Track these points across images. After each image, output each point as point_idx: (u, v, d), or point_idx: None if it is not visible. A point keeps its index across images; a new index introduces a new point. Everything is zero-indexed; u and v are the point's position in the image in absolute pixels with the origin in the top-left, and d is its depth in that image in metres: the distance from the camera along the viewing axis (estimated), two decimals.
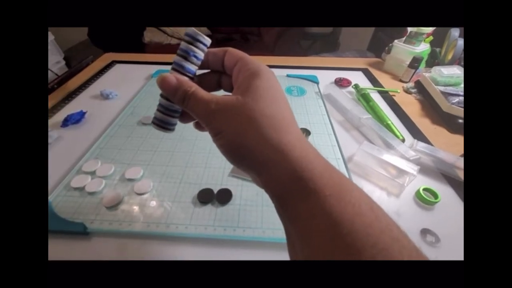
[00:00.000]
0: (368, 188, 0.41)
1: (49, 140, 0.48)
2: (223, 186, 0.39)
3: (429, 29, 0.71)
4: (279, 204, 0.18)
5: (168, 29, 1.81)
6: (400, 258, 0.13)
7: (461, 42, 0.66)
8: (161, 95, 0.21)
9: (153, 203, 0.37)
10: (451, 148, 0.46)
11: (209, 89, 0.22)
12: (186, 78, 0.20)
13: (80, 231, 0.33)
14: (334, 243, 0.14)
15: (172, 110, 0.22)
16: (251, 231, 0.33)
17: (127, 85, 0.67)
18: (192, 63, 0.21)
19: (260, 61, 0.20)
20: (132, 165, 0.42)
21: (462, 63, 0.68)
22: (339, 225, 0.14)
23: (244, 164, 0.19)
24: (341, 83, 0.69)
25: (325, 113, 0.57)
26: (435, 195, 0.38)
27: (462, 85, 0.60)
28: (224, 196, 0.37)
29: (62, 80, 0.68)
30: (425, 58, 0.74)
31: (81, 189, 0.38)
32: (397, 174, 0.41)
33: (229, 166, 0.42)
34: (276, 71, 0.79)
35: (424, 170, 0.43)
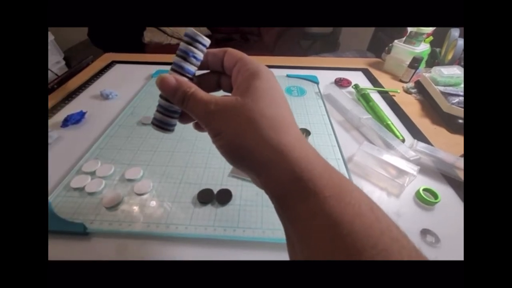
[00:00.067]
0: (368, 188, 0.41)
1: (49, 140, 0.48)
2: (223, 186, 0.39)
3: (429, 29, 0.71)
4: (278, 204, 0.18)
5: (168, 29, 1.81)
6: (400, 258, 0.13)
7: (461, 42, 0.66)
8: (161, 96, 0.21)
9: (153, 203, 0.37)
10: (451, 148, 0.46)
11: (209, 89, 0.22)
12: (185, 79, 0.20)
13: (80, 232, 0.33)
14: (334, 244, 0.14)
15: (172, 111, 0.21)
16: (251, 232, 0.33)
17: (127, 85, 0.67)
18: (192, 63, 0.21)
19: (259, 62, 0.20)
20: (132, 166, 0.42)
21: (462, 63, 0.68)
22: (339, 226, 0.14)
23: (243, 165, 0.18)
24: (341, 83, 0.69)
25: (325, 113, 0.57)
26: (435, 196, 0.38)
27: (462, 85, 0.60)
28: (224, 197, 0.37)
29: (62, 80, 0.68)
30: (425, 58, 0.74)
31: (81, 189, 0.38)
32: (397, 174, 0.41)
33: (229, 166, 0.42)
34: (276, 71, 0.79)
35: (424, 170, 0.43)
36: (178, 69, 0.20)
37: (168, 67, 0.21)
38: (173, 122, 0.22)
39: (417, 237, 0.34)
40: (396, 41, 0.76)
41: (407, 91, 0.68)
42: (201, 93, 0.19)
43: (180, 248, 0.32)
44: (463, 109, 0.53)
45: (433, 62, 0.76)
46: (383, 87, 0.69)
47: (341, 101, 0.58)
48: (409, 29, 0.72)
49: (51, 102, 0.60)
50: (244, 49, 0.21)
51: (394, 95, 0.67)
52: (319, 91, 0.65)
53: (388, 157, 0.42)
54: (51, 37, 1.64)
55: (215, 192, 0.38)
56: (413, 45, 0.72)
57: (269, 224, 0.34)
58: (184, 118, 0.23)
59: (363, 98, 0.60)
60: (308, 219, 0.16)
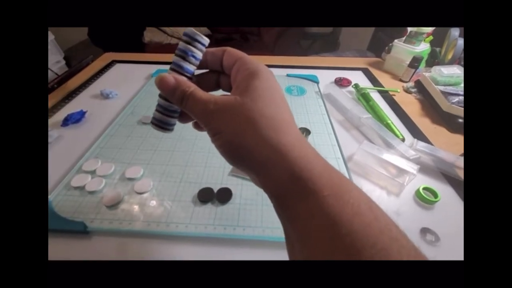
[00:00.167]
0: (368, 187, 0.41)
1: (50, 140, 0.48)
2: (223, 185, 0.39)
3: (429, 29, 0.71)
4: (278, 204, 0.18)
5: (168, 29, 1.82)
6: (399, 258, 0.13)
7: (461, 41, 0.67)
8: (160, 96, 0.21)
9: (153, 202, 0.37)
10: (451, 148, 0.46)
11: (208, 89, 0.22)
12: (184, 78, 0.20)
13: (80, 230, 0.33)
14: (333, 243, 0.14)
15: (171, 110, 0.21)
16: (251, 230, 0.33)
17: (127, 85, 0.67)
18: (191, 63, 0.21)
19: (259, 61, 0.20)
20: (132, 164, 0.42)
21: (462, 63, 0.68)
22: (338, 225, 0.14)
23: (243, 164, 0.18)
24: (341, 82, 0.69)
25: (325, 112, 0.57)
26: (435, 194, 0.39)
27: (462, 85, 0.60)
28: (224, 195, 0.37)
29: (62, 79, 0.68)
30: (425, 57, 0.75)
31: (81, 188, 0.38)
32: (397, 174, 0.41)
33: (229, 165, 0.42)
34: (276, 71, 0.78)
35: (424, 169, 0.43)
36: (177, 69, 0.20)
37: (168, 67, 0.21)
38: (173, 121, 0.22)
39: (417, 236, 0.34)
40: (396, 40, 0.76)
41: (407, 91, 0.68)
42: (200, 92, 0.19)
43: (180, 246, 0.32)
44: (463, 108, 0.53)
45: (433, 62, 0.76)
46: (383, 87, 0.69)
47: (341, 100, 0.58)
48: (409, 28, 0.72)
49: (51, 102, 0.60)
50: (244, 49, 0.21)
51: (394, 95, 0.67)
52: (319, 91, 0.65)
53: (388, 156, 0.42)
54: (51, 37, 1.64)
55: (215, 191, 0.38)
56: (413, 44, 0.72)
57: (269, 223, 0.34)
58: (184, 117, 0.23)
59: (363, 97, 0.60)
60: (307, 218, 0.16)
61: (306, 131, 0.48)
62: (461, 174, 0.42)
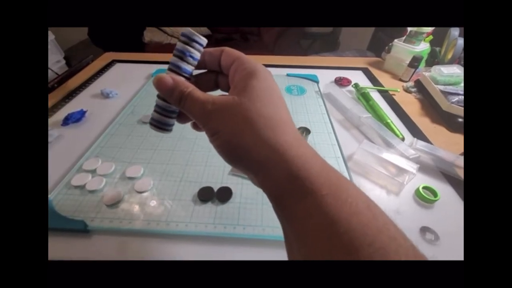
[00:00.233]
0: (368, 186, 0.41)
1: (50, 139, 0.48)
2: (223, 184, 0.39)
3: (429, 29, 0.71)
4: (276, 203, 0.18)
5: (168, 29, 1.82)
6: (397, 256, 0.14)
7: (461, 41, 0.67)
8: (158, 96, 0.21)
9: (154, 201, 0.37)
10: (450, 147, 0.46)
11: (206, 89, 0.22)
12: (182, 79, 0.20)
13: (80, 229, 0.33)
14: (331, 242, 0.14)
15: (169, 110, 0.21)
16: (251, 229, 0.33)
17: (127, 84, 0.67)
18: (189, 63, 0.21)
19: (259, 61, 0.20)
20: (132, 164, 0.42)
21: (462, 62, 0.68)
22: (336, 224, 0.14)
23: (241, 164, 0.19)
24: (341, 82, 0.69)
25: (325, 112, 0.57)
26: (434, 194, 0.39)
27: (462, 84, 0.60)
28: (224, 194, 0.37)
29: (63, 79, 0.68)
30: (425, 57, 0.75)
31: (81, 187, 0.38)
32: (397, 173, 0.41)
33: (229, 164, 0.42)
34: (276, 71, 0.78)
35: (424, 168, 0.43)
36: (175, 69, 0.20)
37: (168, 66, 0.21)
38: (171, 122, 0.22)
39: (417, 235, 0.34)
40: (396, 40, 0.76)
41: (407, 90, 0.68)
42: (198, 92, 0.19)
43: (180, 245, 0.32)
44: (462, 108, 0.53)
45: (433, 61, 0.76)
46: (383, 86, 0.69)
47: (341, 100, 0.58)
48: (409, 28, 0.72)
49: (51, 101, 0.60)
50: (244, 48, 0.21)
51: (394, 94, 0.67)
52: (319, 90, 0.65)
53: (388, 155, 0.42)
54: (51, 37, 1.64)
55: (215, 190, 0.38)
56: (413, 44, 0.72)
57: (269, 222, 0.34)
58: (182, 118, 0.23)
59: (363, 97, 0.60)
60: (305, 217, 0.16)
61: (306, 131, 0.48)
62: (460, 173, 0.42)
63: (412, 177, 0.39)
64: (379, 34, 1.64)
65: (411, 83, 0.69)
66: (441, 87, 0.58)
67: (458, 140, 0.51)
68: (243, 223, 0.34)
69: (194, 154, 0.45)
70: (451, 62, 0.69)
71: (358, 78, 0.74)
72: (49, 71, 0.76)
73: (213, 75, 0.23)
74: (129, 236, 0.33)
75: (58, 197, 0.37)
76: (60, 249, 0.31)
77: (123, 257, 0.31)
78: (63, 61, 1.74)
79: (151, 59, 0.83)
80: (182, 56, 0.20)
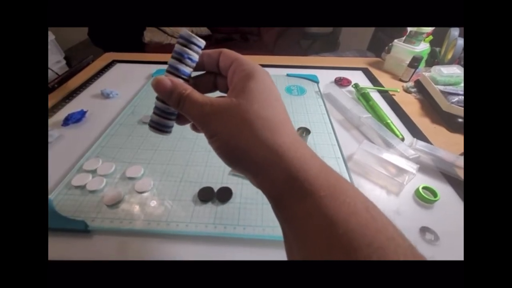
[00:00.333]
0: (367, 186, 0.41)
1: (50, 139, 0.48)
2: (224, 184, 0.39)
3: (429, 29, 0.71)
4: (275, 205, 0.18)
5: (168, 29, 1.82)
6: (396, 257, 0.14)
7: (460, 41, 0.67)
8: (157, 98, 0.21)
9: (154, 201, 0.37)
10: (450, 147, 0.46)
11: (205, 90, 0.22)
12: (181, 81, 0.20)
13: (81, 229, 0.33)
14: (330, 243, 0.15)
15: (168, 112, 0.22)
16: (251, 229, 0.33)
17: (128, 85, 0.67)
18: (187, 65, 0.21)
19: (259, 61, 0.20)
20: (132, 164, 0.42)
21: (462, 63, 0.68)
22: (334, 225, 0.15)
23: (240, 165, 0.19)
24: (341, 82, 0.69)
25: (325, 112, 0.57)
26: (434, 194, 0.39)
27: (462, 85, 0.60)
28: (224, 195, 0.37)
29: (63, 79, 0.68)
30: (425, 57, 0.75)
31: (82, 187, 0.38)
32: (397, 173, 0.41)
33: None
34: (276, 71, 0.78)
35: (424, 169, 0.43)
36: (174, 71, 0.21)
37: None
38: (170, 123, 0.22)
39: (417, 235, 0.34)
40: (396, 40, 0.76)
41: (406, 90, 0.69)
42: (196, 94, 0.19)
43: (180, 245, 0.32)
44: (462, 108, 0.53)
45: (433, 62, 0.77)
46: (383, 87, 0.69)
47: (341, 100, 0.58)
48: (409, 28, 0.72)
49: (52, 101, 0.60)
50: (243, 49, 0.21)
51: (394, 94, 0.67)
52: (319, 90, 0.65)
53: (387, 155, 0.42)
54: (51, 37, 1.64)
55: (215, 190, 0.38)
56: (413, 44, 0.72)
57: (269, 222, 0.34)
58: (181, 119, 0.23)
59: (363, 97, 0.60)
60: (304, 219, 0.16)
61: (306, 131, 0.48)
62: (460, 173, 0.42)
63: (412, 177, 0.39)
64: (379, 34, 1.64)
65: (411, 83, 0.69)
66: (441, 87, 0.59)
67: (458, 141, 0.51)
68: (243, 223, 0.34)
69: (194, 154, 0.45)
70: (451, 62, 0.69)
71: (358, 78, 0.74)
72: (49, 71, 0.76)
73: (211, 77, 0.23)
74: (129, 236, 0.33)
75: (59, 197, 0.37)
76: (60, 249, 0.31)
77: (123, 257, 0.31)
78: (63, 61, 1.75)
79: (151, 59, 0.83)
80: (181, 58, 0.20)
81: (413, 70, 0.70)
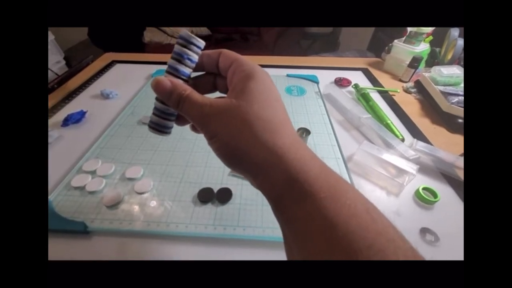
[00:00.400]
0: (367, 187, 0.41)
1: (50, 140, 0.48)
2: (223, 185, 0.39)
3: (429, 29, 0.71)
4: (275, 206, 0.18)
5: (168, 29, 1.82)
6: (396, 259, 0.14)
7: (460, 42, 0.67)
8: (157, 99, 0.21)
9: (154, 202, 0.37)
10: (450, 148, 0.46)
11: (205, 91, 0.22)
12: (180, 81, 0.20)
13: (80, 230, 0.33)
14: (330, 245, 0.14)
15: (168, 113, 0.21)
16: (251, 230, 0.33)
17: (127, 85, 0.67)
18: (186, 65, 0.21)
19: (259, 61, 0.20)
20: (132, 165, 0.42)
21: (462, 63, 0.68)
22: (334, 227, 0.15)
23: (240, 167, 0.18)
24: (341, 82, 0.69)
25: (325, 112, 0.57)
26: (434, 195, 0.39)
27: (462, 85, 0.60)
28: (224, 195, 0.37)
29: (62, 79, 0.68)
30: (425, 58, 0.75)
31: (81, 188, 0.38)
32: (397, 174, 0.41)
33: None
34: (276, 71, 0.78)
35: (424, 169, 0.43)
36: (173, 72, 0.20)
37: None
38: (170, 124, 0.22)
39: (417, 236, 0.34)
40: (396, 41, 0.76)
41: (406, 91, 0.68)
42: (196, 95, 0.19)
43: (180, 246, 0.32)
44: (462, 108, 0.53)
45: (432, 62, 0.76)
46: (383, 87, 0.69)
47: (341, 100, 0.58)
48: (409, 29, 0.72)
49: (51, 102, 0.60)
50: (243, 49, 0.21)
51: (394, 95, 0.67)
52: (319, 91, 0.65)
53: (387, 156, 0.42)
54: (51, 37, 1.64)
55: (215, 191, 0.38)
56: (412, 44, 0.72)
57: (269, 223, 0.34)
58: (181, 120, 0.23)
59: (363, 97, 0.60)
60: (304, 220, 0.16)
61: (306, 131, 0.48)
62: (460, 174, 0.42)
63: (412, 178, 0.39)
64: (379, 35, 1.64)
65: (411, 84, 0.69)
66: (441, 88, 0.58)
67: (458, 141, 0.51)
68: (243, 224, 0.34)
69: (194, 155, 0.45)
70: (451, 62, 0.69)
71: (358, 78, 0.74)
72: (49, 71, 0.76)
73: (211, 77, 0.23)
74: (129, 237, 0.33)
75: (58, 198, 0.37)
76: (60, 250, 0.31)
77: (123, 259, 0.31)
78: (63, 62, 1.75)
79: (151, 59, 0.83)
80: (180, 58, 0.20)
81: (413, 70, 0.70)
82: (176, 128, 0.23)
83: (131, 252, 0.32)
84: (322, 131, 0.52)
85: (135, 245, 0.32)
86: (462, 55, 0.68)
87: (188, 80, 0.21)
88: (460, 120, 0.53)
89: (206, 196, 0.37)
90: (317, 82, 0.69)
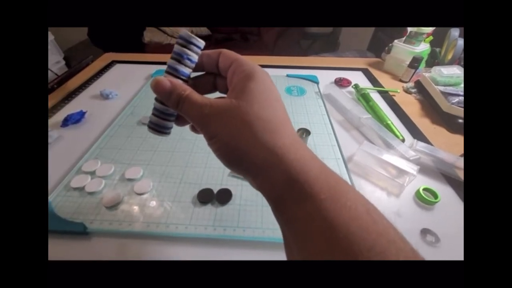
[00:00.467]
0: (368, 188, 0.41)
1: (49, 140, 0.48)
2: (223, 186, 0.39)
3: (429, 29, 0.71)
4: (275, 207, 0.18)
5: (168, 29, 1.82)
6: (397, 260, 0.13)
7: (461, 42, 0.66)
8: (156, 99, 0.21)
9: (153, 203, 0.37)
10: (451, 148, 0.46)
11: (205, 91, 0.22)
12: (180, 81, 0.20)
13: (80, 231, 0.33)
14: (330, 246, 0.14)
15: (167, 113, 0.21)
16: (251, 231, 0.33)
17: (127, 85, 0.67)
18: (186, 65, 0.20)
19: (259, 61, 0.20)
20: (132, 165, 0.42)
21: (462, 63, 0.68)
22: (335, 228, 0.14)
23: (239, 167, 0.18)
24: (341, 83, 0.69)
25: (325, 113, 0.57)
26: (435, 195, 0.39)
27: (462, 85, 0.60)
28: (224, 196, 0.37)
29: (62, 80, 0.68)
30: (425, 58, 0.74)
31: (81, 189, 0.38)
32: (397, 174, 0.41)
33: None
34: (276, 71, 0.78)
35: (424, 170, 0.43)
36: (173, 72, 0.20)
37: None
38: (169, 125, 0.22)
39: (417, 237, 0.34)
40: (396, 41, 0.76)
41: (407, 91, 0.68)
42: (195, 95, 0.19)
43: (180, 247, 0.32)
44: (463, 108, 0.53)
45: (433, 62, 0.76)
46: (383, 87, 0.69)
47: (341, 100, 0.58)
48: (409, 29, 0.72)
49: (51, 102, 0.60)
50: (243, 49, 0.21)
51: (394, 95, 0.67)
52: (319, 91, 0.65)
53: (388, 156, 0.42)
54: (51, 37, 1.64)
55: (215, 191, 0.38)
56: (413, 45, 0.72)
57: (269, 224, 0.34)
58: (180, 120, 0.22)
59: (363, 97, 0.60)
60: (304, 221, 0.16)
61: (306, 132, 0.48)
62: (461, 174, 0.42)
63: (413, 179, 0.39)
64: (379, 35, 1.64)
65: (411, 84, 0.69)
66: (441, 88, 0.58)
67: (458, 141, 0.51)
68: (243, 225, 0.34)
69: (194, 155, 0.45)
70: (451, 62, 0.69)
71: (358, 78, 0.74)
72: (49, 71, 0.76)
73: (211, 77, 0.23)
74: (128, 238, 0.33)
75: (57, 199, 0.37)
76: (59, 251, 0.31)
77: (122, 260, 0.31)
78: (63, 62, 1.75)
79: (151, 59, 0.83)
80: (180, 58, 0.20)
81: (413, 70, 0.70)
82: (175, 129, 0.23)
83: (130, 253, 0.32)
84: (322, 131, 0.51)
85: (134, 246, 0.32)
86: (462, 55, 0.68)
87: (187, 80, 0.21)
88: (461, 120, 0.53)
89: (206, 197, 0.37)
90: (317, 82, 0.69)
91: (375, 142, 0.49)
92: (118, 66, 0.79)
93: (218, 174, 0.41)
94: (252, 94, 0.18)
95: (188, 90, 0.19)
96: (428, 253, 0.32)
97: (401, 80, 0.73)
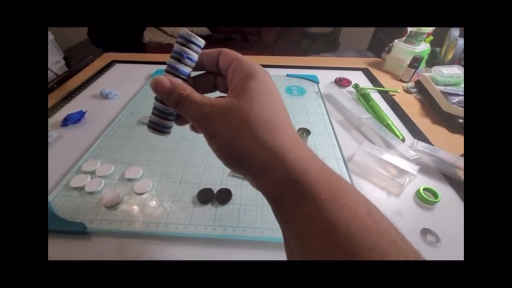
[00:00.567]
0: (368, 188, 0.41)
1: (49, 140, 0.48)
2: (223, 186, 0.39)
3: (429, 29, 0.71)
4: (275, 207, 0.18)
5: (168, 29, 1.81)
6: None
7: (461, 41, 0.66)
8: (156, 98, 0.21)
9: (153, 202, 0.37)
10: (451, 148, 0.46)
11: (205, 90, 0.22)
12: (180, 81, 0.20)
13: (79, 231, 0.33)
14: (331, 247, 0.14)
15: (167, 113, 0.21)
16: (251, 231, 0.33)
17: (127, 85, 0.67)
18: (186, 65, 0.20)
19: (259, 61, 0.20)
20: (131, 165, 0.42)
21: (462, 63, 0.68)
22: (335, 228, 0.14)
23: (240, 167, 0.18)
24: (341, 82, 0.69)
25: (325, 112, 0.57)
26: (435, 195, 0.38)
27: (462, 85, 0.60)
28: (224, 196, 0.37)
29: (62, 79, 0.68)
30: (425, 57, 0.74)
31: (80, 188, 0.38)
32: (397, 174, 0.41)
33: None
34: (276, 71, 0.78)
35: (424, 169, 0.43)
36: (173, 71, 0.20)
37: None
38: (169, 124, 0.22)
39: (418, 237, 0.34)
40: (396, 40, 0.76)
41: (407, 91, 0.68)
42: (195, 95, 0.19)
43: (180, 247, 0.32)
44: (463, 108, 0.53)
45: (433, 62, 0.76)
46: (383, 87, 0.69)
47: (341, 100, 0.58)
48: (409, 29, 0.72)
49: (51, 102, 0.60)
50: (243, 49, 0.21)
51: (394, 95, 0.67)
52: (319, 91, 0.65)
53: (388, 156, 0.42)
54: (51, 37, 1.64)
55: (215, 191, 0.38)
56: (413, 44, 0.72)
57: (269, 224, 0.34)
58: (180, 120, 0.22)
59: (363, 97, 0.60)
60: (305, 221, 0.16)
61: (306, 132, 0.48)
62: (461, 174, 0.42)
63: (413, 179, 0.39)
64: (379, 34, 1.64)
65: (411, 84, 0.69)
66: (442, 88, 0.58)
67: (458, 141, 0.51)
68: (243, 225, 0.34)
69: (194, 155, 0.45)
70: (452, 62, 0.69)
71: (358, 78, 0.74)
72: (49, 71, 0.76)
73: (211, 77, 0.23)
74: (128, 238, 0.33)
75: (57, 198, 0.37)
76: (59, 251, 0.31)
77: (122, 259, 0.31)
78: (63, 62, 1.75)
79: (151, 59, 0.83)
80: (180, 57, 0.20)
81: (413, 70, 0.70)
82: (175, 128, 0.23)
83: (130, 253, 0.32)
84: (322, 131, 0.51)
85: (134, 246, 0.32)
86: (463, 55, 0.68)
87: (187, 79, 0.21)
88: (461, 120, 0.53)
89: (205, 196, 0.37)
90: (317, 82, 0.69)
91: (375, 142, 0.49)
92: (118, 66, 0.79)
93: (218, 174, 0.41)
94: (252, 93, 0.18)
95: (188, 89, 0.19)
96: (429, 253, 0.32)
97: (401, 80, 0.73)
